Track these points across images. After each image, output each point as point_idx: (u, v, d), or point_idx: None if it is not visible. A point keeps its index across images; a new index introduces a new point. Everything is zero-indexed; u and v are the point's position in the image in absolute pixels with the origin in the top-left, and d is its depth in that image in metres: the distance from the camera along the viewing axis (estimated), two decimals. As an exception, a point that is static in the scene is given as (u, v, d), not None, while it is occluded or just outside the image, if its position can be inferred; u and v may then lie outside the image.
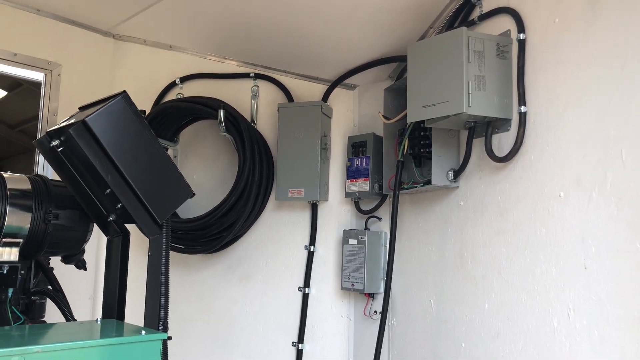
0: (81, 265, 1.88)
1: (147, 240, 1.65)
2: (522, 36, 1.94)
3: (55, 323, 1.60)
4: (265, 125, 3.00)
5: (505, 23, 2.02)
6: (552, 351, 1.73)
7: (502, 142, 2.00)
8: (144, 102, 3.19)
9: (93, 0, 2.88)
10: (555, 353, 1.72)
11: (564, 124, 1.76)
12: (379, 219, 2.71)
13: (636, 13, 1.55)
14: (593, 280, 1.61)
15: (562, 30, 1.80)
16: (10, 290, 1.72)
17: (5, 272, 1.64)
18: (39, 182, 1.73)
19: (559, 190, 1.75)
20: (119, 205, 1.59)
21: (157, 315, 1.56)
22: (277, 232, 2.94)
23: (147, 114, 3.01)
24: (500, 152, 1.99)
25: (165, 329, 1.57)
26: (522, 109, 1.90)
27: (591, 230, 1.63)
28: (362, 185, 2.69)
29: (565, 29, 1.78)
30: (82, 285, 3.03)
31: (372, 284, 2.61)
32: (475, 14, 2.17)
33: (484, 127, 2.05)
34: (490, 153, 2.00)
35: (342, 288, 2.68)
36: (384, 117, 2.48)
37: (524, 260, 1.86)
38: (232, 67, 3.08)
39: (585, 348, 1.62)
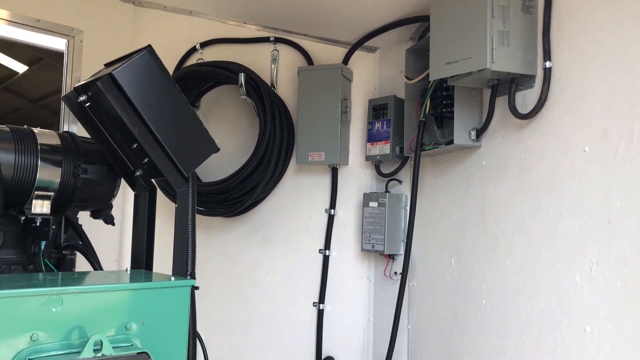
0: (109, 220, 1.93)
1: (171, 205, 1.67)
2: (548, -10, 1.91)
3: (88, 271, 1.66)
4: (286, 90, 3.01)
5: (531, -23, 1.99)
6: (573, 305, 1.74)
7: (526, 99, 1.99)
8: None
9: (113, -35, 2.89)
10: (576, 307, 1.73)
11: (590, 78, 1.73)
12: (400, 181, 2.72)
13: (668, -40, 1.51)
14: (617, 235, 1.61)
15: (590, -18, 1.76)
16: (43, 243, 1.78)
17: (38, 224, 1.69)
18: (68, 138, 1.77)
19: (583, 145, 1.74)
20: (145, 160, 1.62)
21: (184, 265, 1.60)
22: (298, 195, 2.97)
23: (170, 74, 3.02)
24: (524, 109, 1.97)
25: (193, 278, 1.61)
26: (547, 64, 1.88)
27: (616, 184, 1.62)
28: (382, 148, 2.69)
29: (594, -20, 1.75)
30: (107, 249, 3.11)
31: (392, 246, 2.63)
32: (500, -31, 2.12)
33: (507, 85, 2.03)
34: (513, 110, 1.99)
35: (362, 250, 2.70)
36: (406, 77, 2.46)
37: (547, 217, 1.86)
38: (251, 31, 3.08)
39: (607, 301, 1.63)
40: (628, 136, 1.60)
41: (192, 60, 3.22)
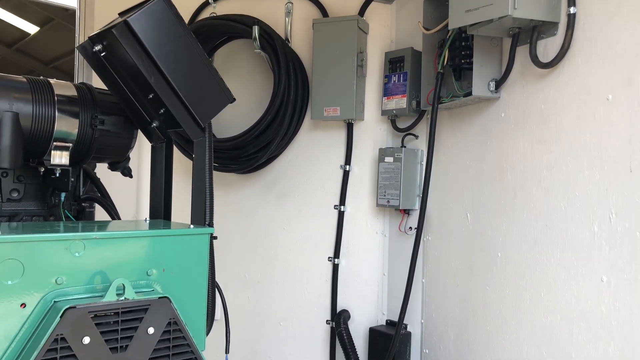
0: (127, 172, 1.95)
1: (185, 160, 1.68)
2: None
3: (109, 221, 1.68)
4: (300, 43, 2.96)
5: None
6: (591, 255, 1.73)
7: (548, 47, 1.93)
8: (178, 23, 3.16)
9: None
10: (594, 257, 1.72)
11: (616, 23, 1.68)
12: (416, 136, 2.69)
13: None
14: (638, 183, 1.59)
15: None
16: (63, 195, 1.80)
17: (57, 175, 1.71)
18: (84, 89, 1.77)
19: (607, 94, 1.70)
20: (162, 110, 1.62)
21: (203, 214, 1.62)
22: (313, 151, 2.96)
23: (185, 22, 2.99)
24: (545, 58, 1.92)
25: (211, 227, 1.63)
26: (572, 10, 1.82)
27: (639, 131, 1.59)
28: (399, 102, 2.66)
29: None
30: (125, 202, 3.14)
31: (407, 201, 2.63)
32: None
33: (528, 34, 1.98)
34: (534, 59, 1.94)
35: (377, 205, 2.71)
36: (424, 27, 2.41)
37: (566, 168, 1.84)
38: (265, -17, 3.01)
39: (626, 250, 1.62)
40: (654, 83, 1.55)
41: (205, 15, 3.17)
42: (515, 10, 1.81)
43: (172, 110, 1.58)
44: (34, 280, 1.18)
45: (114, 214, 1.92)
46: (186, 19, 3.18)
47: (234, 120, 3.00)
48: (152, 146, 1.82)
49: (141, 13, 1.50)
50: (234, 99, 1.71)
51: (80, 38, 3.47)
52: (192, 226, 1.48)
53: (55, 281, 1.21)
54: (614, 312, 1.64)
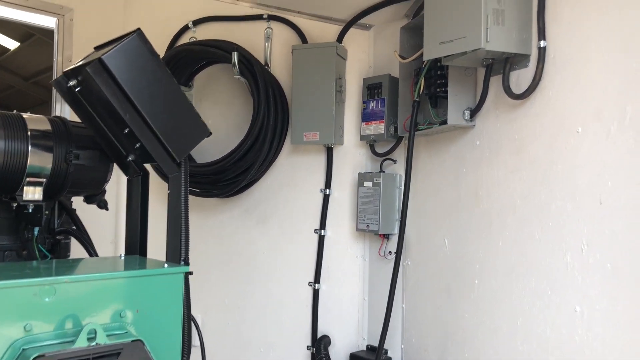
0: (103, 205, 1.93)
1: (164, 188, 1.67)
2: (543, -33, 1.87)
3: (82, 258, 1.66)
4: (280, 68, 2.98)
5: (526, -46, 1.95)
6: (564, 285, 1.76)
7: (520, 78, 1.97)
8: (157, 47, 3.08)
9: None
10: (567, 287, 1.75)
11: (584, 58, 1.72)
12: (394, 161, 2.71)
13: (665, -63, 1.48)
14: (608, 215, 1.62)
15: (586, -41, 1.73)
16: (36, 229, 1.78)
17: (30, 210, 1.69)
18: (59, 123, 1.75)
19: (577, 126, 1.74)
20: (137, 145, 1.61)
21: (178, 251, 1.61)
22: (293, 175, 2.97)
23: (160, 58, 2.99)
24: (518, 89, 1.96)
25: (187, 264, 1.62)
26: (542, 43, 1.86)
27: (608, 164, 1.62)
28: (377, 128, 2.68)
29: (590, -42, 1.72)
30: (103, 229, 3.12)
31: (387, 225, 2.64)
32: (495, -55, 2.08)
33: (501, 65, 2.01)
34: (507, 90, 1.97)
35: (357, 229, 2.71)
36: (400, 56, 2.44)
37: (539, 197, 1.87)
38: (244, 8, 3.03)
39: (598, 281, 1.64)
40: (620, 117, 1.59)
41: (185, 39, 3.18)
42: (487, 43, 1.84)
43: (147, 146, 1.58)
44: (1, 328, 1.16)
45: (89, 247, 1.90)
46: (166, 42, 3.19)
47: (213, 144, 2.99)
48: (128, 179, 1.81)
49: (116, 50, 1.50)
50: (210, 133, 1.72)
51: (59, 58, 3.45)
52: (166, 265, 1.47)
53: (24, 328, 1.19)
54: (588, 343, 1.66)
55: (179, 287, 1.46)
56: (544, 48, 1.86)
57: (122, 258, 1.63)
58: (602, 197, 1.64)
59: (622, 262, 1.57)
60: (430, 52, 2.01)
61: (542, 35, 1.86)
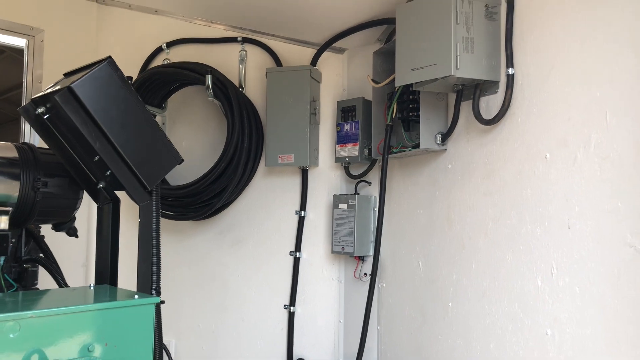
0: (72, 232, 1.90)
1: (137, 207, 1.66)
2: (510, -3, 1.93)
3: (49, 289, 1.62)
4: (254, 90, 2.98)
5: (494, -16, 2.00)
6: (535, 308, 1.78)
7: (490, 104, 2.01)
8: (130, 68, 3.14)
9: (74, -37, 2.81)
10: (538, 310, 1.77)
11: (550, 86, 1.77)
12: (369, 183, 2.73)
13: (624, -28, 1.54)
14: (576, 239, 1.65)
15: (550, -10, 1.79)
16: (2, 258, 1.73)
17: (-4, 240, 1.65)
18: (26, 150, 1.72)
19: (545, 152, 1.77)
20: (108, 172, 1.59)
21: (149, 280, 1.58)
22: (268, 197, 2.96)
23: (133, 80, 2.98)
24: (488, 114, 2.00)
25: (158, 293, 1.60)
26: (510, 71, 1.90)
27: (575, 190, 1.66)
28: (351, 150, 2.70)
29: (554, -11, 1.77)
30: (74, 252, 3.06)
31: (362, 247, 2.65)
32: (464, -26, 2.13)
33: (471, 90, 2.05)
34: (477, 116, 2.01)
35: (332, 252, 2.71)
36: (373, 81, 2.47)
37: (510, 221, 1.90)
38: (219, 31, 3.04)
39: (567, 305, 1.67)
40: (585, 144, 1.63)
41: (158, 60, 3.17)
42: (457, 70, 1.88)
43: (117, 175, 1.56)
44: (-37, 367, 1.12)
45: (57, 275, 1.86)
46: (139, 64, 3.17)
47: (187, 166, 2.96)
48: (98, 207, 1.78)
49: (85, 79, 1.48)
50: (182, 160, 1.71)
51: (28, 78, 3.40)
52: (137, 296, 1.44)
53: (-12, 366, 1.15)
54: (559, 366, 1.68)
55: (149, 318, 1.44)
56: (512, 75, 1.90)
57: (92, 288, 1.59)
58: (570, 222, 1.67)
59: (589, 286, 1.60)
60: (402, 78, 2.04)
61: (510, 62, 1.91)
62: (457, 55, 1.88)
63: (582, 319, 1.62)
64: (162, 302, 1.57)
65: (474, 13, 1.92)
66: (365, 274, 2.67)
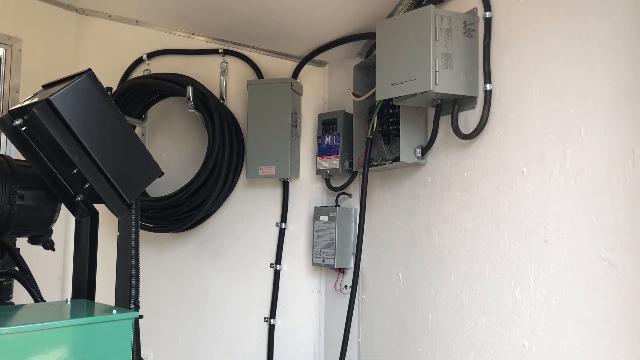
0: (49, 246, 1.87)
1: (116, 219, 1.64)
2: (488, 14, 1.96)
3: (24, 304, 1.59)
4: (235, 102, 2.98)
5: (472, 1, 2.04)
6: (513, 321, 1.80)
7: (468, 119, 2.04)
8: (110, 79, 3.12)
9: (54, -27, 2.79)
10: (516, 323, 1.79)
11: (527, 102, 1.80)
12: (349, 195, 2.74)
13: (596, -7, 1.59)
14: (552, 253, 1.68)
15: (526, 9, 1.83)
16: (-24, 272, 1.70)
17: (-30, 253, 1.62)
18: (2, 162, 1.70)
19: (522, 167, 1.81)
20: (86, 185, 1.58)
21: (127, 294, 1.57)
22: (248, 209, 2.95)
23: (113, 91, 2.96)
24: (466, 129, 2.03)
25: (137, 308, 1.58)
26: (488, 87, 1.94)
27: (551, 205, 1.69)
28: (332, 163, 2.71)
29: (529, 7, 1.82)
30: (50, 265, 3.00)
31: (342, 260, 2.66)
32: (443, -9, 2.18)
33: (450, 105, 2.09)
34: (456, 130, 2.04)
35: (313, 264, 2.71)
36: (354, 94, 2.49)
37: (488, 235, 1.93)
38: (200, 42, 3.04)
39: (544, 317, 1.70)
40: (561, 160, 1.67)
41: (139, 71, 3.15)
42: (436, 85, 1.91)
43: (96, 188, 1.55)
44: None
45: (33, 289, 1.82)
46: (120, 74, 3.15)
47: (167, 177, 2.93)
48: (76, 220, 1.76)
49: (64, 92, 1.47)
50: (162, 173, 1.70)
51: (5, 86, 3.35)
52: (115, 310, 1.43)
53: (-40, 384, 1.13)
54: (536, 378, 1.70)
55: (127, 333, 1.42)
56: (490, 91, 1.94)
57: (68, 302, 1.57)
58: (546, 235, 1.70)
59: (566, 299, 1.63)
60: (382, 93, 2.07)
61: (487, 78, 1.94)
62: (436, 71, 1.91)
63: (558, 332, 1.65)
64: (141, 316, 1.56)
65: (453, 30, 1.96)
66: (346, 286, 2.67)
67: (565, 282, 1.63)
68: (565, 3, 1.69)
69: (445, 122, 2.15)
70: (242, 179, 2.94)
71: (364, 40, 2.65)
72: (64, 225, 2.81)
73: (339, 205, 2.72)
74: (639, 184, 1.43)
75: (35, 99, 1.55)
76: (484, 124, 1.95)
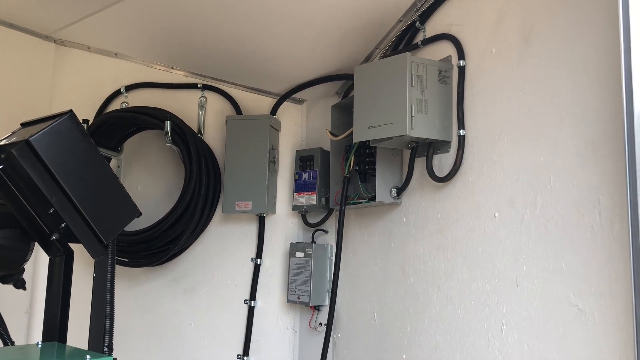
0: (20, 285, 1.82)
1: (90, 259, 1.62)
2: (462, 62, 2.04)
3: (-7, 348, 1.55)
4: (213, 137, 3.00)
5: (446, 49, 2.12)
6: (486, 363, 1.83)
7: (443, 162, 2.10)
8: (87, 111, 3.11)
9: (33, 3, 2.78)
10: (489, 365, 1.82)
11: (499, 149, 1.87)
12: (326, 232, 2.76)
13: (563, 47, 1.67)
14: (524, 297, 1.72)
15: (498, 59, 1.91)
16: (-57, 313, 1.65)
17: (-62, 294, 1.57)
18: (-25, 200, 1.67)
19: (494, 211, 1.86)
20: (62, 225, 1.56)
21: (101, 336, 1.54)
22: (223, 244, 2.94)
23: (90, 123, 2.94)
24: (441, 172, 2.09)
25: (110, 351, 1.56)
26: (461, 132, 2.00)
27: (523, 250, 1.74)
28: (309, 199, 2.74)
29: (501, 58, 1.90)
30: (17, 299, 2.92)
31: (317, 297, 2.66)
32: (419, 38, 2.26)
33: (425, 148, 2.14)
34: (431, 173, 2.09)
35: (288, 301, 2.71)
36: (331, 133, 2.54)
37: (462, 276, 1.96)
38: (179, 77, 3.06)
39: (516, 360, 1.73)
40: (532, 206, 1.73)
41: (117, 103, 3.15)
42: (412, 130, 1.97)
43: (72, 228, 1.53)
44: None
45: (2, 332, 1.77)
46: (97, 106, 3.14)
47: (143, 210, 2.92)
48: (50, 259, 1.73)
49: (44, 133, 1.47)
50: (140, 214, 1.69)
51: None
52: (88, 356, 1.40)
53: None
54: (508, 422, 1.72)
55: (101, 380, 1.40)
56: (464, 136, 2.00)
57: (39, 346, 1.53)
58: (518, 279, 1.75)
59: (537, 343, 1.67)
60: (359, 135, 2.12)
61: (461, 124, 2.01)
62: (411, 116, 1.97)
63: (530, 375, 1.68)
64: (115, 359, 1.53)
65: (428, 76, 2.02)
66: (321, 323, 2.67)
67: (536, 326, 1.67)
68: (536, 55, 1.77)
69: (420, 163, 2.21)
70: (218, 213, 2.94)
71: (341, 81, 2.71)
72: (33, 259, 2.74)
73: (315, 242, 2.74)
74: (605, 233, 1.49)
75: (14, 139, 1.54)
76: (458, 168, 2.00)
